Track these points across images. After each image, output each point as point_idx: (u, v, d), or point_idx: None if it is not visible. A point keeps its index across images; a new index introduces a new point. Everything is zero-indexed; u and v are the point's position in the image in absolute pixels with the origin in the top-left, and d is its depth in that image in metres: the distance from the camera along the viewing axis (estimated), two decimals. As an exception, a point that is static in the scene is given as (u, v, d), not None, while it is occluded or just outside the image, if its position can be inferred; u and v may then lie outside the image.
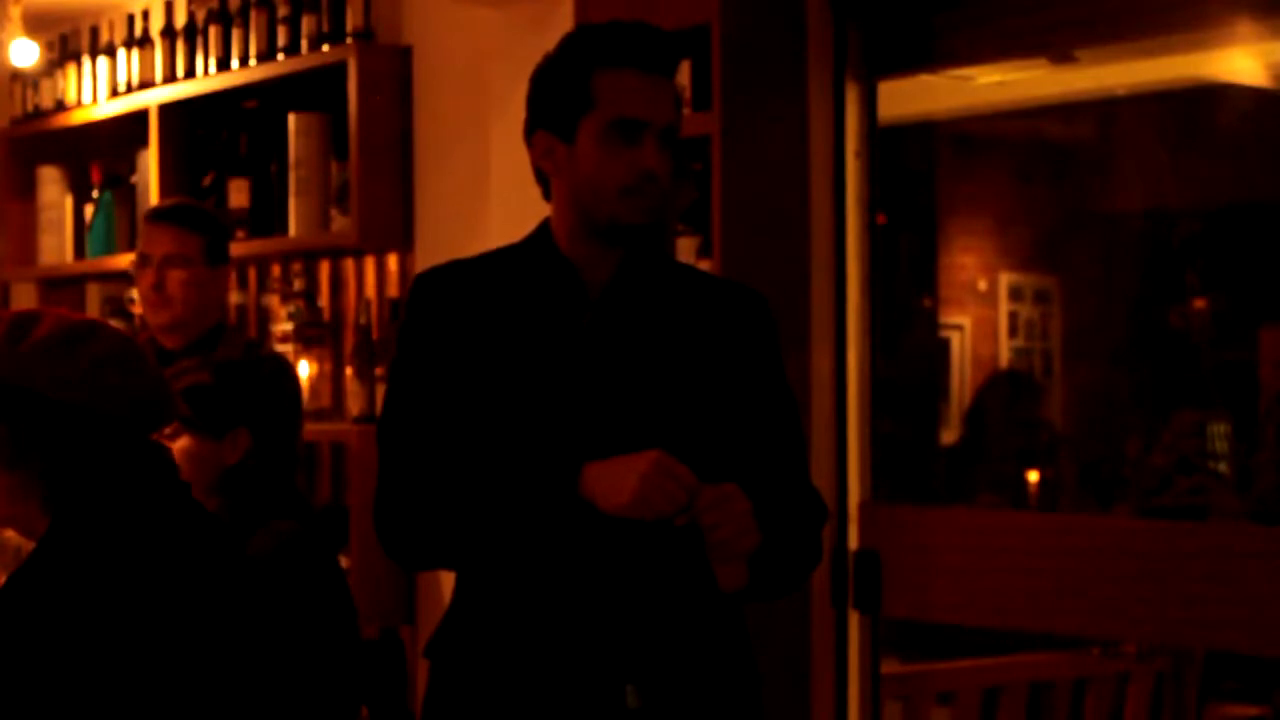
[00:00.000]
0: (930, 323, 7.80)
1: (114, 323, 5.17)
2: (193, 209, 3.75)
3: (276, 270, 4.86)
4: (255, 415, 2.93)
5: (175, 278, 3.60)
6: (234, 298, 5.07)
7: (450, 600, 2.43)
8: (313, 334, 4.64)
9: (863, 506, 3.56)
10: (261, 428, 2.94)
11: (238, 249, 4.61)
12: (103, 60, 5.31)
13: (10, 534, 2.14)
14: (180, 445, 2.82)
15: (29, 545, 2.08)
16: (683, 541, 2.26)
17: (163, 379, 2.15)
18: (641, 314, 2.36)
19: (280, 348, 4.58)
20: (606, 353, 2.34)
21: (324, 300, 4.74)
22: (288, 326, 4.66)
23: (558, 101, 2.34)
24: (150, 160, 5.02)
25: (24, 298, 5.81)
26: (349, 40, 4.38)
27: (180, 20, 5.00)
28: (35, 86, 5.58)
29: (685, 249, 3.48)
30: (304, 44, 4.50)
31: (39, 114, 5.58)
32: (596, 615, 2.30)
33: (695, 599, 2.33)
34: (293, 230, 4.53)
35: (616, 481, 2.19)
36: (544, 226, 2.41)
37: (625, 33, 2.34)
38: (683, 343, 2.37)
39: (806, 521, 2.44)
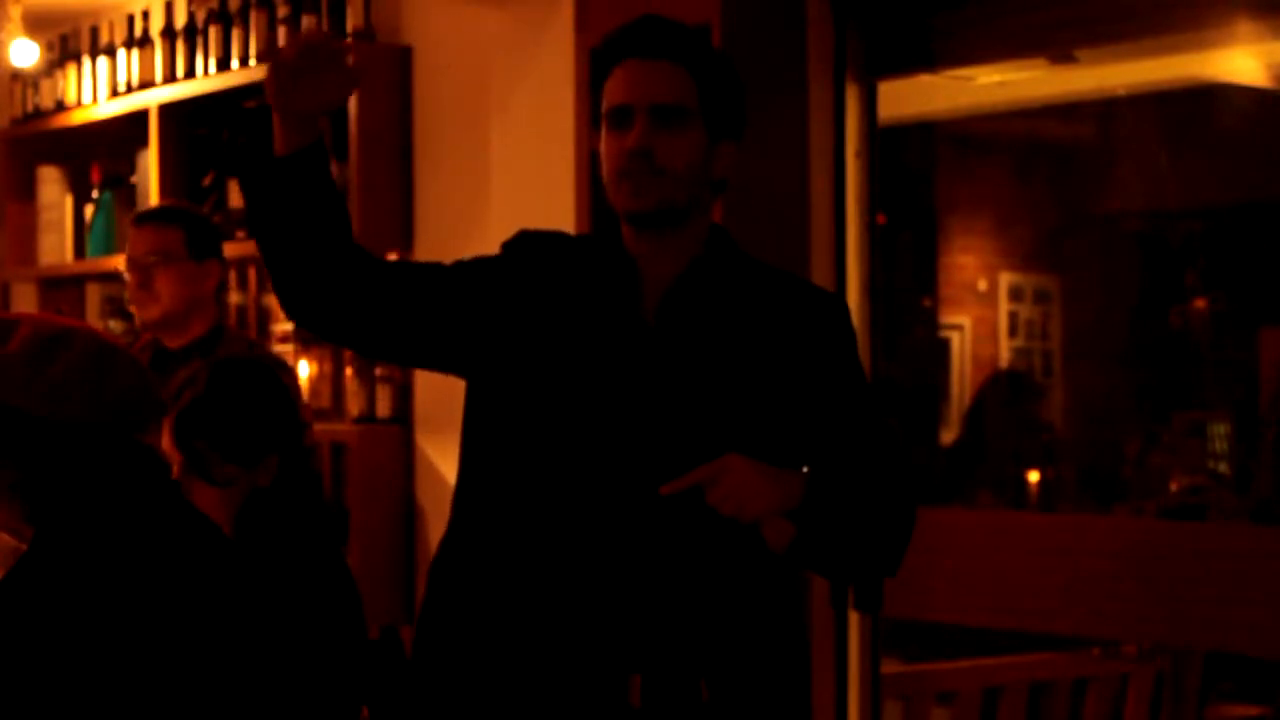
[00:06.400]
0: (930, 323, 7.80)
1: (114, 323, 5.19)
2: (170, 208, 3.79)
3: (276, 270, 4.85)
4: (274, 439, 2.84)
5: (159, 273, 3.62)
6: (234, 298, 5.08)
7: (447, 527, 2.45)
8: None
9: (863, 506, 3.56)
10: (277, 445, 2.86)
11: (238, 249, 4.60)
12: (103, 60, 5.31)
13: (4, 535, 2.13)
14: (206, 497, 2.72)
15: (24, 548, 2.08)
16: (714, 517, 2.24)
17: (145, 377, 2.12)
18: (708, 312, 2.34)
19: (280, 348, 4.58)
20: (668, 351, 2.31)
21: (324, 300, 4.72)
22: (288, 326, 4.66)
23: (591, 111, 2.41)
24: (150, 160, 5.02)
25: (24, 298, 5.81)
26: (349, 40, 4.38)
27: (180, 20, 5.00)
28: (35, 86, 5.59)
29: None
30: (304, 44, 4.49)
31: (39, 114, 5.58)
32: (598, 599, 2.28)
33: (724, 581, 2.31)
34: (293, 230, 4.52)
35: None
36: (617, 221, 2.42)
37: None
38: (749, 343, 2.34)
39: (884, 493, 2.34)
